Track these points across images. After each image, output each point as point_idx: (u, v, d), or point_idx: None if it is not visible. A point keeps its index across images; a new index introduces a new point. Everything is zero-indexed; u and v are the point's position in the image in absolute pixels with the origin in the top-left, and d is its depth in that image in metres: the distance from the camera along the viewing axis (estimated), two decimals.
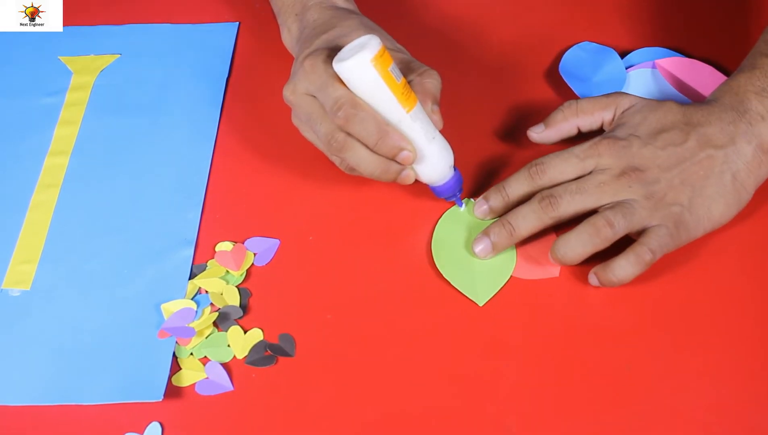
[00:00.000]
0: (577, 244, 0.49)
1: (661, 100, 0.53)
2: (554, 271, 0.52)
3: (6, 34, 0.68)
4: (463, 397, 0.48)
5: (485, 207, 0.53)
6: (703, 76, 0.60)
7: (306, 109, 0.52)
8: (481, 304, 0.51)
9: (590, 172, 0.51)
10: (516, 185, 0.52)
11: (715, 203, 0.50)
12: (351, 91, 0.49)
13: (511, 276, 0.52)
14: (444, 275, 0.52)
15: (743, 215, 0.53)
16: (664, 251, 0.49)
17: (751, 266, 0.52)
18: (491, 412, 0.47)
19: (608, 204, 0.49)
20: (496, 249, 0.52)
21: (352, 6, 0.59)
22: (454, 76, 0.63)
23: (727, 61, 0.61)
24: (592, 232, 0.49)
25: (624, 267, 0.49)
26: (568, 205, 0.50)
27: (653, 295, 0.51)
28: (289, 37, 0.60)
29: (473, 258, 0.53)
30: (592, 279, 0.50)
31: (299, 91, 0.52)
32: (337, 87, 0.49)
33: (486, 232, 0.52)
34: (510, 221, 0.51)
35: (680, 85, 0.60)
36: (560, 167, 0.51)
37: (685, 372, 0.48)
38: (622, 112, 0.53)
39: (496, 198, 0.53)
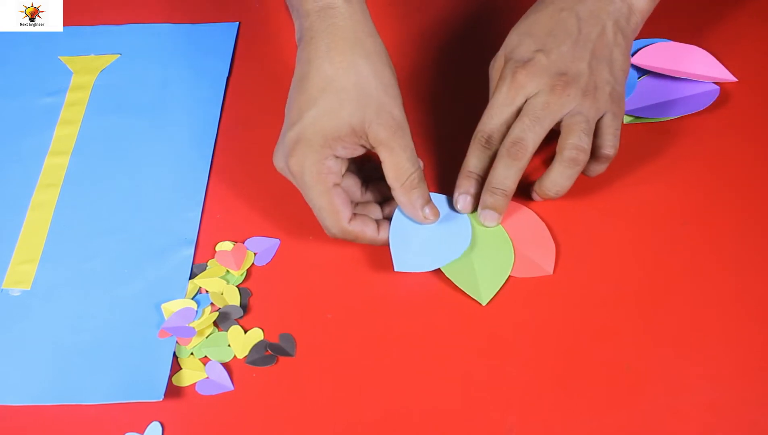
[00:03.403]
0: (564, 180, 0.52)
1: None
2: (548, 268, 0.52)
3: (6, 34, 0.68)
4: (463, 396, 0.48)
5: (468, 198, 0.54)
6: (676, 54, 0.61)
7: (300, 190, 0.51)
8: (484, 303, 0.51)
9: (525, 102, 0.52)
10: (477, 161, 0.53)
11: (624, 61, 0.54)
12: (340, 221, 0.50)
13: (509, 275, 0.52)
14: (448, 276, 0.52)
15: (743, 215, 0.53)
16: (619, 132, 0.53)
17: (750, 266, 0.52)
18: (492, 411, 0.47)
19: (560, 119, 0.52)
20: (502, 213, 0.53)
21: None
22: (453, 72, 0.63)
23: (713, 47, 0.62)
24: (572, 165, 0.51)
25: (599, 169, 0.54)
26: (533, 139, 0.51)
27: (653, 295, 0.51)
28: (296, 37, 0.54)
29: (472, 258, 0.53)
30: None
31: (289, 177, 0.51)
32: (324, 215, 0.50)
33: (484, 205, 0.53)
34: (497, 186, 0.52)
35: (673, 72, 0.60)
36: (499, 120, 0.53)
37: (684, 372, 0.48)
38: (510, 54, 0.54)
39: (470, 184, 0.53)
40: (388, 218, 0.53)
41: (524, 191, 0.55)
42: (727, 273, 0.52)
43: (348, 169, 0.52)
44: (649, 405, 0.47)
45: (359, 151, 0.50)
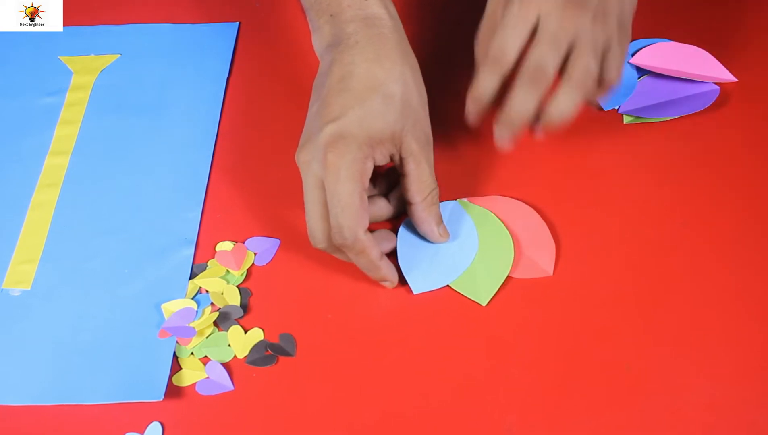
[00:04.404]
0: (570, 104, 0.49)
1: None
2: (548, 269, 0.52)
3: (6, 34, 0.68)
4: (463, 396, 0.48)
5: (477, 119, 0.52)
6: (677, 55, 0.61)
7: (309, 189, 0.49)
8: (484, 304, 0.51)
9: (537, 22, 0.49)
10: (488, 83, 0.50)
11: None
12: (358, 229, 0.48)
13: (508, 276, 0.52)
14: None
15: (743, 216, 0.53)
16: (624, 61, 0.51)
17: (750, 266, 0.52)
18: (491, 411, 0.47)
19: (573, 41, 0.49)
20: (516, 136, 0.51)
21: (387, 12, 0.53)
22: (460, 69, 0.63)
23: (715, 47, 0.61)
24: (580, 87, 0.49)
25: (599, 94, 0.52)
26: (554, 64, 0.49)
27: (653, 296, 0.51)
28: (320, 40, 0.54)
29: (472, 259, 0.53)
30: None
31: (312, 173, 0.49)
32: (347, 214, 0.47)
33: (501, 133, 0.51)
34: (518, 113, 0.49)
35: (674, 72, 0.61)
36: (514, 40, 0.49)
37: (684, 372, 0.48)
38: None
39: (479, 107, 0.51)
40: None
41: (527, 188, 0.55)
42: (727, 273, 0.52)
43: None
44: (649, 405, 0.47)
45: (385, 161, 0.50)
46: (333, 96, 0.49)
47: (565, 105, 0.49)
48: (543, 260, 0.52)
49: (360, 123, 0.48)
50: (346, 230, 0.47)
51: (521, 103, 0.49)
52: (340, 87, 0.49)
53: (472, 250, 0.53)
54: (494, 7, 0.52)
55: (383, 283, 0.51)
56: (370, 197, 0.53)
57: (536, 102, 0.49)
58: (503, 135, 0.51)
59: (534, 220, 0.54)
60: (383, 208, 0.54)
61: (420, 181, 0.50)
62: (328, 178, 0.47)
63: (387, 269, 0.51)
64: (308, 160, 0.49)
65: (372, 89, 0.49)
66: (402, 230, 0.54)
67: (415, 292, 0.51)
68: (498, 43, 0.49)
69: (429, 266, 0.52)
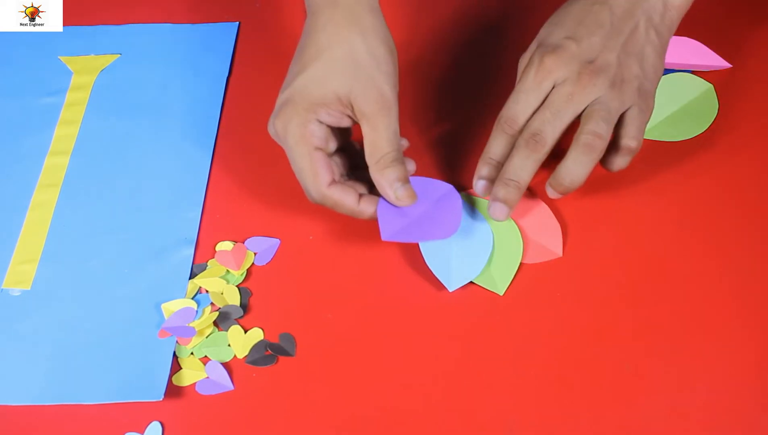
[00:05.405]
0: (579, 168, 0.50)
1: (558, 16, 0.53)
2: (557, 251, 0.53)
3: (6, 34, 0.68)
4: (464, 395, 0.48)
5: (483, 182, 0.53)
6: (678, 50, 0.61)
7: (288, 155, 0.51)
8: (501, 293, 0.51)
9: (552, 90, 0.51)
10: (497, 146, 0.52)
11: (656, 59, 0.52)
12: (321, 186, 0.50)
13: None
14: None
15: (743, 218, 0.53)
16: (644, 127, 0.51)
17: (753, 264, 0.52)
18: (492, 410, 0.47)
19: (583, 109, 0.50)
20: (512, 207, 0.52)
21: None
22: (469, 64, 0.63)
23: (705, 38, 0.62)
24: (587, 151, 0.49)
25: (620, 163, 0.52)
26: (552, 132, 0.50)
27: (653, 295, 0.51)
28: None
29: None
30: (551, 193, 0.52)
31: (276, 135, 0.51)
32: (304, 176, 0.50)
33: (495, 197, 0.51)
34: (511, 177, 0.51)
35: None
36: (524, 106, 0.51)
37: (685, 372, 0.48)
38: (540, 44, 0.52)
39: (488, 169, 0.52)
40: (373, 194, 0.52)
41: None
42: (729, 271, 0.51)
43: (339, 149, 0.52)
44: (649, 405, 0.47)
45: (345, 122, 0.51)
46: (291, 67, 0.52)
47: (573, 169, 0.50)
48: (551, 242, 0.53)
49: (302, 89, 0.50)
50: (312, 191, 0.50)
51: (516, 166, 0.50)
52: (296, 58, 0.52)
53: (488, 239, 0.53)
54: (522, 68, 0.53)
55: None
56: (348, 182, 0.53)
57: (532, 167, 0.50)
58: (497, 198, 0.51)
59: (534, 204, 0.55)
60: (359, 189, 0.53)
61: (373, 144, 0.50)
62: (283, 145, 0.51)
63: (370, 210, 0.51)
64: (272, 132, 0.51)
65: (315, 56, 0.50)
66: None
67: (451, 290, 0.51)
68: (510, 108, 0.51)
69: (457, 263, 0.52)
